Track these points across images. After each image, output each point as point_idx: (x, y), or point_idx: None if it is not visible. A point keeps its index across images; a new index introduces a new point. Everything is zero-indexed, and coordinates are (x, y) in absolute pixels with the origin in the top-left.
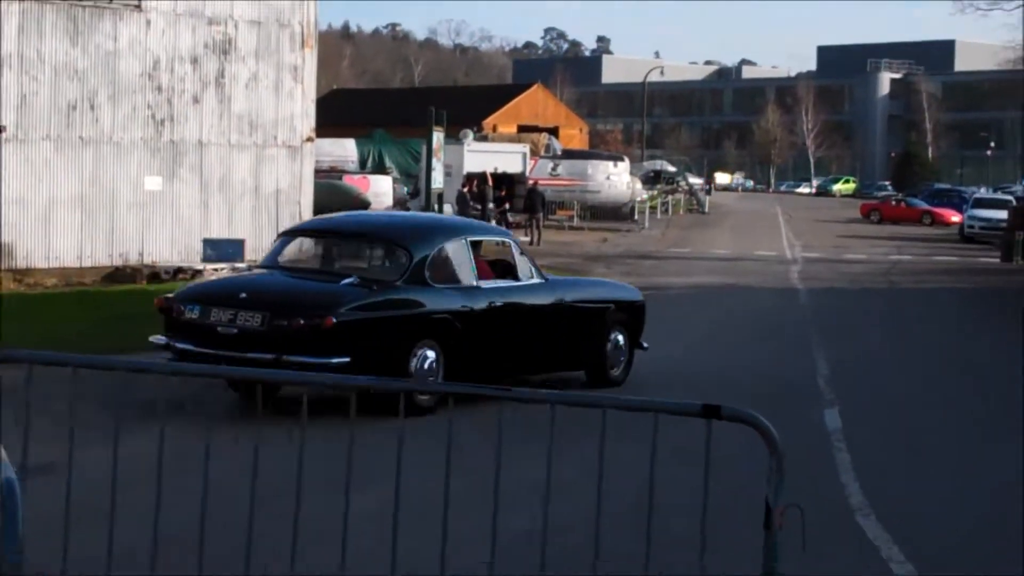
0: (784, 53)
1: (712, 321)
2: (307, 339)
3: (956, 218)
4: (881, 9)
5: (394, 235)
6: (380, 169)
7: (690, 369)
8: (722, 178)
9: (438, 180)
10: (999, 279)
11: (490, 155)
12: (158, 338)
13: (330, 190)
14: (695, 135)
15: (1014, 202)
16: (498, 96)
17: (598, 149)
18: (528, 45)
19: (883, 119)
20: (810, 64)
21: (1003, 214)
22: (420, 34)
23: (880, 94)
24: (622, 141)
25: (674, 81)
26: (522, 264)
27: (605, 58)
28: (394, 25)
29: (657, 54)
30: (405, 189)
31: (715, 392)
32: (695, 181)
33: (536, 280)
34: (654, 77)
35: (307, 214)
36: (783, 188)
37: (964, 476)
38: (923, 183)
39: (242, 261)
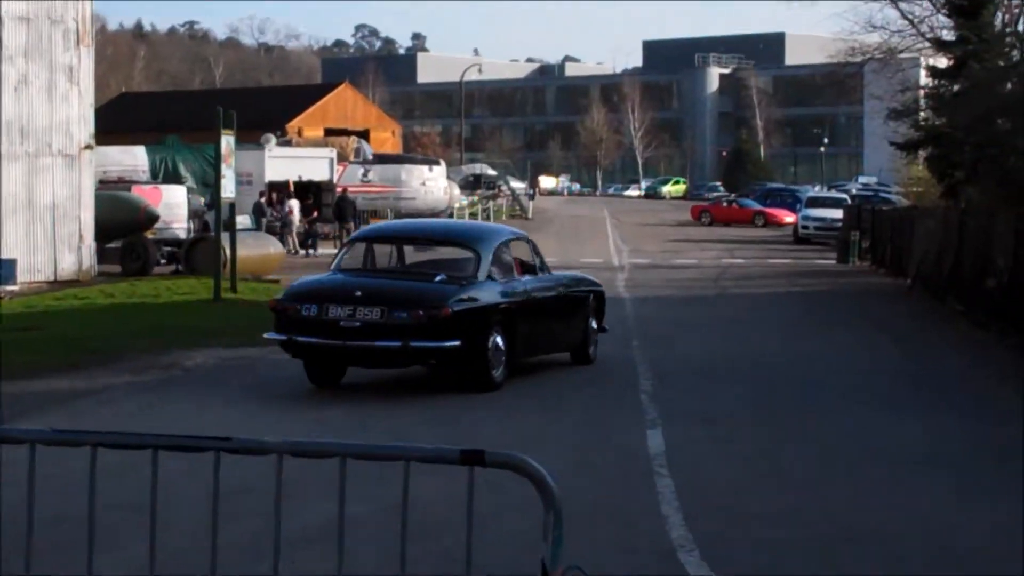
0: (609, 48)
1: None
2: (427, 327)
3: (790, 219)
4: (708, 3)
5: (463, 238)
6: (174, 178)
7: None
8: (547, 182)
9: (229, 189)
10: (834, 281)
11: (294, 161)
12: (274, 335)
13: (114, 203)
14: (517, 136)
15: (849, 201)
16: (303, 97)
17: (413, 153)
18: (339, 44)
19: (713, 116)
20: (636, 60)
21: (838, 213)
22: (220, 33)
23: (709, 90)
24: (440, 144)
25: (494, 80)
26: (537, 260)
27: (420, 56)
28: (192, 23)
29: (476, 51)
30: (202, 200)
31: (529, 413)
32: (517, 185)
33: (546, 273)
34: (472, 76)
35: (88, 231)
36: (611, 191)
37: (797, 498)
38: (755, 183)
39: (14, 283)
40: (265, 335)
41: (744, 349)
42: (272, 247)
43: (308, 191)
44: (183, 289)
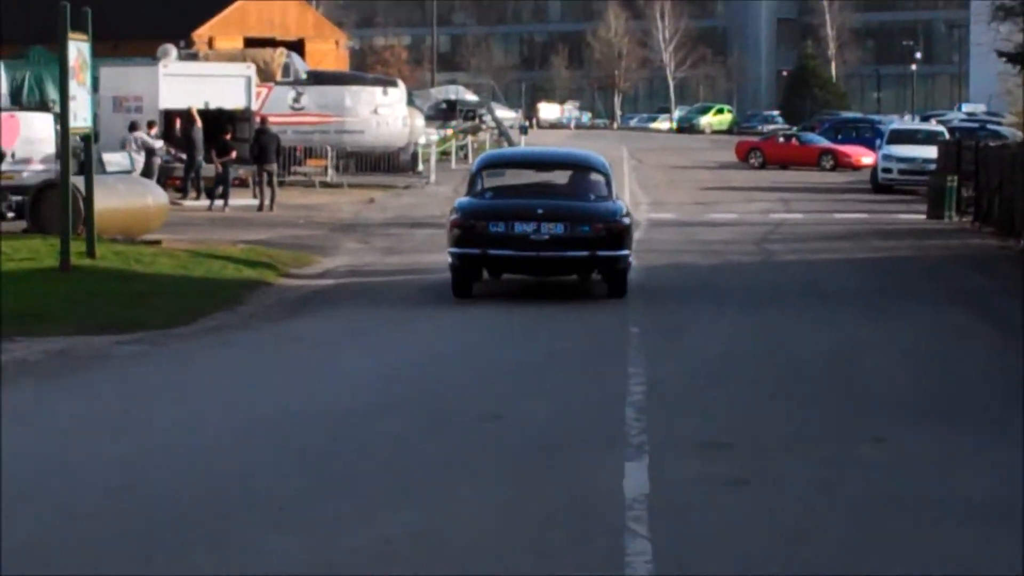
0: None
1: (484, 319)
2: (607, 239)
3: (868, 159)
4: None
5: (595, 164)
6: (40, 105)
7: (435, 403)
8: (549, 111)
9: (83, 114)
10: (921, 243)
11: (197, 80)
12: (460, 249)
13: None
14: (511, 51)
15: (946, 135)
16: None
17: (370, 72)
18: None
19: (769, 24)
20: None
21: (931, 152)
22: None
23: None
24: (408, 61)
25: None
26: None
27: None
28: None
29: None
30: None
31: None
32: (506, 115)
33: None
34: None
35: None
36: (633, 123)
37: None
38: (824, 112)
39: None
40: (449, 250)
41: (781, 341)
42: (151, 197)
43: (220, 122)
44: (21, 253)
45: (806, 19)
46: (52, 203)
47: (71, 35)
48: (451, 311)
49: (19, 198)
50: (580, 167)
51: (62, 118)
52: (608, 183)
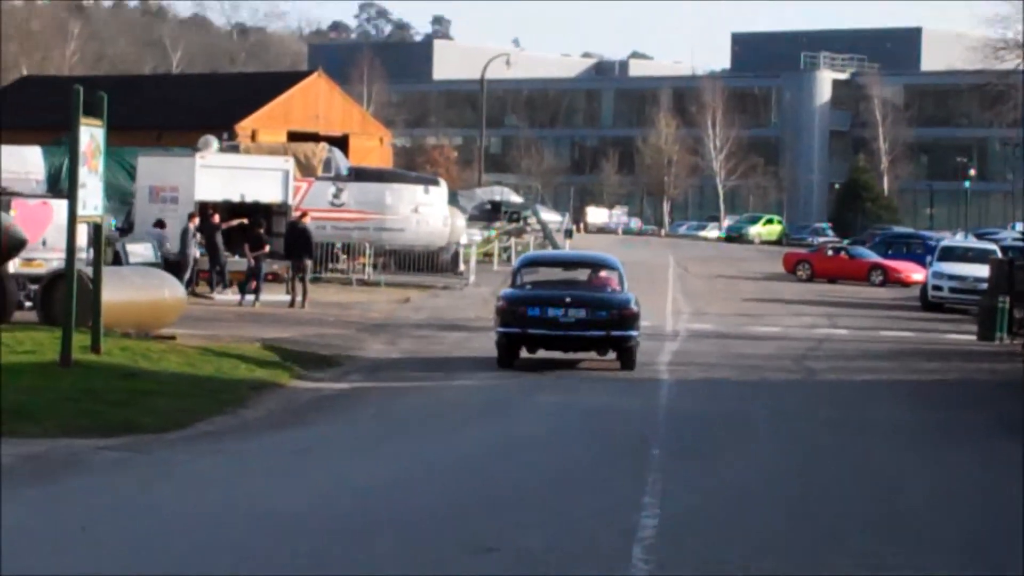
0: (687, 44)
1: (498, 432)
2: (620, 321)
3: (919, 276)
4: None
5: (610, 263)
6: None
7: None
8: (597, 215)
9: (92, 202)
10: (969, 366)
11: (234, 173)
12: (505, 328)
13: None
14: (562, 153)
15: (998, 253)
16: (262, 90)
17: (420, 171)
18: (337, 27)
19: (822, 135)
20: (723, 59)
21: (983, 270)
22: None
23: (818, 101)
24: (458, 161)
25: (534, 78)
26: None
27: (438, 45)
28: None
29: (517, 43)
30: (112, 221)
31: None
32: (550, 218)
33: None
34: (500, 72)
35: None
36: (682, 230)
37: None
38: (875, 226)
39: None
40: (496, 329)
41: (810, 477)
42: (168, 290)
43: (255, 215)
44: (25, 345)
45: (858, 132)
46: (64, 294)
47: (84, 120)
48: (467, 422)
49: (36, 287)
50: (598, 266)
51: (70, 205)
52: (620, 279)
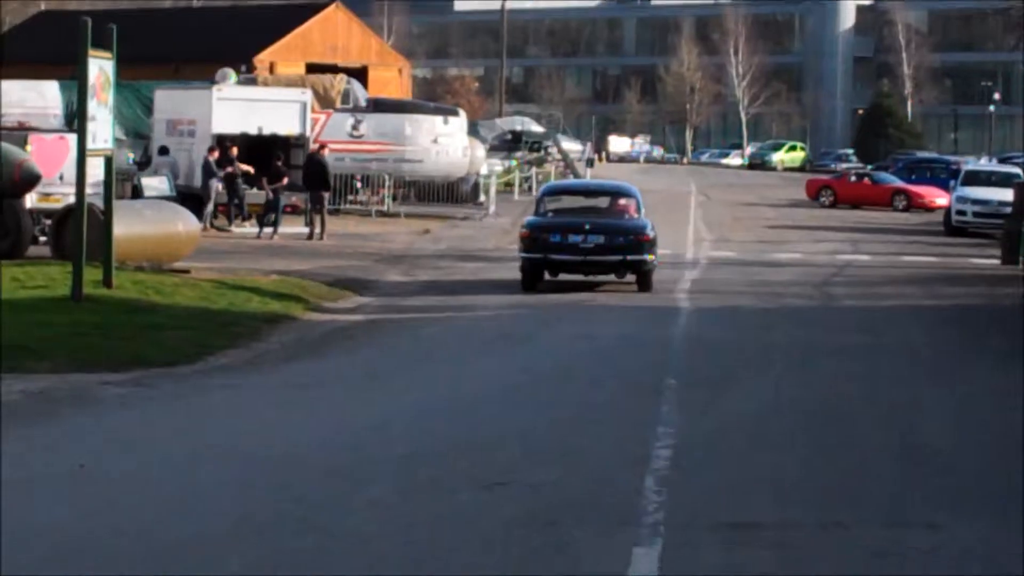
0: None
1: (512, 364)
2: (636, 246)
3: (943, 200)
4: None
5: (629, 192)
6: None
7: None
8: (619, 143)
9: (102, 135)
10: (992, 291)
11: (251, 106)
12: (529, 254)
13: None
14: (584, 83)
15: (1022, 177)
16: (280, 22)
17: (440, 102)
18: None
19: (845, 62)
20: None
21: (1007, 195)
22: None
23: (841, 27)
24: (479, 92)
25: (555, 8)
26: None
27: None
28: None
29: None
30: (129, 157)
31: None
32: (572, 147)
33: None
34: (521, 2)
35: None
36: (704, 158)
37: None
38: (900, 151)
39: None
40: (520, 254)
41: (830, 403)
42: (182, 223)
43: (272, 148)
44: (37, 280)
45: (882, 57)
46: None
47: (92, 52)
48: (481, 353)
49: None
50: (617, 194)
51: (79, 139)
52: (638, 206)
